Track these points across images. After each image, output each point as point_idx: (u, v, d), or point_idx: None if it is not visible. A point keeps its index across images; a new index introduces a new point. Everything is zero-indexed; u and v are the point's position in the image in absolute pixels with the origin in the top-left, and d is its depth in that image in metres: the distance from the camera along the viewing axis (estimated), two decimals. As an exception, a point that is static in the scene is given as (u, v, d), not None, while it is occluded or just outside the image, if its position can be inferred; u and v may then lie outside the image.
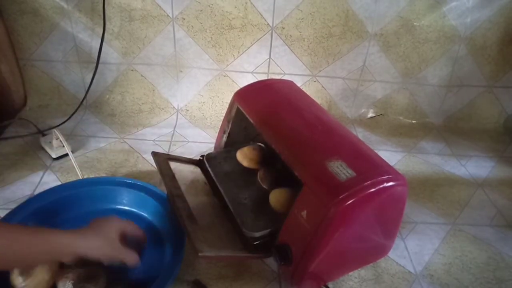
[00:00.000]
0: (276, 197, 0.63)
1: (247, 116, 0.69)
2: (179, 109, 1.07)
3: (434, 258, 0.69)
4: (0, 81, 0.93)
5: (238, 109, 0.73)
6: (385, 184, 0.51)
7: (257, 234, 0.58)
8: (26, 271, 0.52)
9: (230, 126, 0.77)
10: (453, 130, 1.11)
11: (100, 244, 0.50)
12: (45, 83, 1.02)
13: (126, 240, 0.54)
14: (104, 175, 0.82)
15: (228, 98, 0.78)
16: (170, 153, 0.91)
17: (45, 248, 0.45)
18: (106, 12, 0.93)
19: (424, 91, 1.10)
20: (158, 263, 0.61)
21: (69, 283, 0.52)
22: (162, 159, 0.71)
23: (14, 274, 0.52)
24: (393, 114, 1.13)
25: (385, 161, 0.57)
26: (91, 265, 0.56)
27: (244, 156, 0.72)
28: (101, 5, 0.92)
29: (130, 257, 0.53)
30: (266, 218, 0.61)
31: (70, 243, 0.47)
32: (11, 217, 0.62)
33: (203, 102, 1.07)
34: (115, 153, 0.89)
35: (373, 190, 0.50)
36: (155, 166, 0.70)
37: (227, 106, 0.76)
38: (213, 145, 0.84)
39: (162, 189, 0.70)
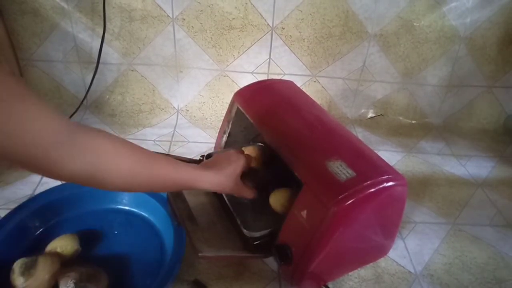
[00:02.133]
0: (276, 197, 0.63)
1: (247, 116, 0.69)
2: (179, 109, 1.07)
3: (434, 258, 0.69)
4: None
5: (238, 109, 0.73)
6: (385, 184, 0.51)
7: (257, 234, 0.58)
8: (27, 271, 0.52)
9: (230, 126, 0.77)
10: (453, 130, 1.11)
11: (223, 180, 0.53)
12: (45, 83, 1.02)
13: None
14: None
15: (228, 98, 0.78)
16: (170, 153, 0.91)
17: (174, 177, 0.47)
18: (106, 12, 0.93)
19: (424, 91, 1.10)
20: (158, 263, 0.61)
21: (71, 282, 0.52)
22: None
23: (15, 274, 0.52)
24: (393, 114, 1.13)
25: (385, 161, 0.57)
26: (92, 265, 0.56)
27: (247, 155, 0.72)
28: (101, 5, 0.92)
29: (248, 193, 0.59)
30: (266, 218, 0.61)
31: (196, 178, 0.50)
32: (11, 217, 0.63)
33: (203, 102, 1.07)
34: (115, 153, 0.89)
35: (373, 190, 0.50)
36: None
37: (227, 106, 0.76)
38: (213, 145, 0.85)
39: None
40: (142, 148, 0.45)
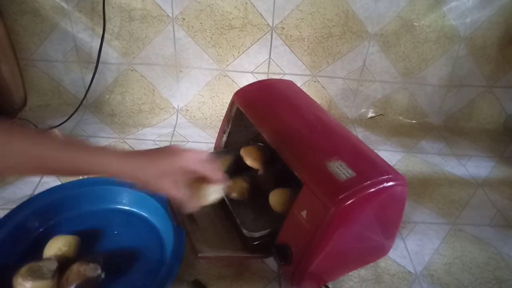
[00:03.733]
0: (276, 197, 0.63)
1: (247, 116, 0.69)
2: (179, 109, 1.07)
3: (434, 258, 0.69)
4: (0, 81, 0.93)
5: (238, 109, 0.73)
6: (385, 184, 0.51)
7: (257, 234, 0.58)
8: (30, 276, 0.52)
9: (230, 126, 0.77)
10: (453, 130, 1.11)
11: (138, 167, 0.45)
12: (45, 83, 1.02)
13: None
14: (104, 175, 0.82)
15: (228, 98, 0.78)
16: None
17: (95, 168, 0.43)
18: (106, 12, 0.93)
19: (424, 91, 1.10)
20: (158, 263, 0.61)
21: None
22: None
23: (18, 279, 0.52)
24: (393, 114, 1.13)
25: (385, 161, 0.57)
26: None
27: (248, 155, 0.72)
28: (101, 5, 0.92)
29: (184, 202, 0.47)
30: (266, 218, 0.61)
31: (120, 169, 0.44)
32: (11, 217, 0.62)
33: (203, 102, 1.07)
34: (115, 153, 0.89)
35: (373, 190, 0.50)
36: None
37: (227, 106, 0.76)
38: (213, 145, 0.84)
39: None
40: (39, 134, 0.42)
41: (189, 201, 0.48)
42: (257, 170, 0.71)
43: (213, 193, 0.52)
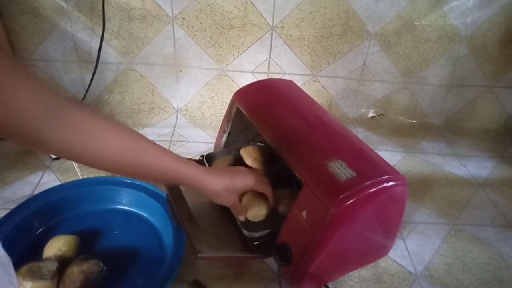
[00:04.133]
0: (277, 197, 0.63)
1: (247, 116, 0.69)
2: (179, 109, 1.07)
3: (434, 258, 0.69)
4: None
5: (238, 109, 0.72)
6: (385, 184, 0.51)
7: (257, 235, 0.58)
8: (30, 276, 0.52)
9: (230, 126, 0.76)
10: (454, 130, 1.11)
11: (221, 188, 0.53)
12: (45, 83, 1.02)
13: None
14: (103, 175, 0.82)
15: (228, 98, 0.78)
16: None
17: (171, 169, 0.48)
18: (106, 11, 0.93)
19: (424, 91, 1.09)
20: (158, 263, 0.61)
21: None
22: None
23: (18, 279, 0.52)
24: (393, 114, 1.13)
25: (385, 161, 0.57)
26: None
27: (248, 155, 0.72)
28: (101, 5, 0.92)
29: (240, 212, 0.58)
30: (265, 218, 0.61)
31: (197, 176, 0.50)
32: (10, 217, 0.62)
33: (203, 102, 1.07)
34: (115, 153, 0.89)
35: (373, 190, 0.50)
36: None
37: (227, 106, 0.76)
38: (212, 145, 0.84)
39: (162, 189, 0.69)
40: (136, 133, 0.44)
41: (243, 212, 0.59)
42: (257, 170, 0.71)
43: (264, 208, 0.60)
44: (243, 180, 0.55)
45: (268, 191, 0.60)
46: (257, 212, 0.60)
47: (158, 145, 0.47)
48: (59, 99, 0.35)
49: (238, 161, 0.73)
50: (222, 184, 0.52)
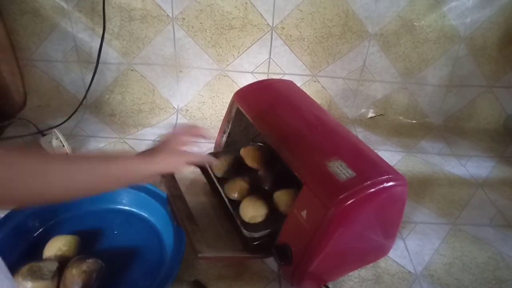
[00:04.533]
0: (280, 198, 0.63)
1: (247, 116, 0.69)
2: (179, 109, 1.07)
3: (434, 258, 0.69)
4: (0, 81, 0.93)
5: (238, 109, 0.73)
6: (385, 184, 0.51)
7: (257, 235, 0.58)
8: (30, 276, 0.52)
9: (230, 126, 0.77)
10: (453, 130, 1.11)
11: (168, 158, 0.50)
12: (45, 83, 1.02)
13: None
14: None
15: (228, 98, 0.78)
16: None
17: (118, 175, 0.46)
18: (106, 12, 0.93)
19: (424, 91, 1.10)
20: (158, 263, 0.61)
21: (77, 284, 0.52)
22: None
23: (18, 279, 0.52)
24: (393, 114, 1.13)
25: (385, 161, 0.57)
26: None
27: (248, 155, 0.72)
28: (101, 5, 0.92)
29: (201, 158, 0.55)
30: (265, 218, 0.61)
31: (141, 169, 0.48)
32: (10, 217, 0.62)
33: (203, 102, 1.07)
34: (115, 153, 0.89)
35: (373, 190, 0.50)
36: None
37: (227, 106, 0.76)
38: (213, 145, 0.84)
39: (162, 189, 0.70)
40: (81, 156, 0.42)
41: (205, 157, 0.56)
42: (257, 170, 0.71)
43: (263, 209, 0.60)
44: (173, 138, 0.53)
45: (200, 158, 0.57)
46: (255, 213, 0.60)
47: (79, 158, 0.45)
48: None
49: (238, 161, 0.73)
50: (165, 159, 0.50)
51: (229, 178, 0.69)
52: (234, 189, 0.66)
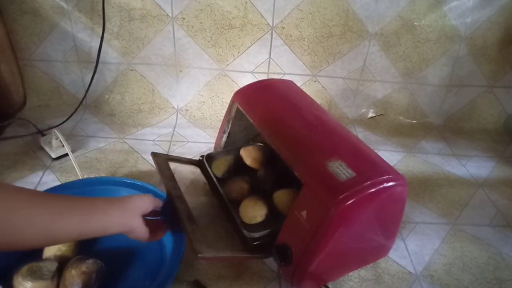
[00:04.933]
0: (280, 198, 0.63)
1: (247, 116, 0.69)
2: (179, 109, 1.07)
3: (434, 258, 0.69)
4: (0, 81, 0.93)
5: (238, 109, 0.73)
6: (385, 184, 0.51)
7: (257, 235, 0.58)
8: (30, 276, 0.52)
9: (230, 126, 0.77)
10: (453, 130, 1.11)
11: (126, 216, 0.51)
12: (45, 83, 1.02)
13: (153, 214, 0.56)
14: (103, 175, 0.82)
15: (228, 98, 0.78)
16: (169, 153, 0.91)
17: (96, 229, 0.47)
18: (106, 11, 0.93)
19: (424, 91, 1.10)
20: (158, 263, 0.61)
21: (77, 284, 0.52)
22: (162, 160, 0.71)
23: (18, 279, 0.52)
24: (393, 114, 1.13)
25: (385, 161, 0.57)
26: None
27: (248, 155, 0.72)
28: (101, 5, 0.92)
29: (142, 232, 0.53)
30: (265, 218, 0.61)
31: (107, 223, 0.49)
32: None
33: (203, 102, 1.07)
34: (114, 153, 0.89)
35: (373, 190, 0.50)
36: (155, 166, 0.69)
37: (227, 106, 0.76)
38: (213, 145, 0.84)
39: (162, 189, 0.70)
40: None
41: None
42: (257, 170, 0.71)
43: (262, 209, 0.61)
44: (140, 199, 0.54)
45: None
46: (255, 213, 0.60)
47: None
48: None
49: (238, 161, 0.73)
50: (126, 214, 0.50)
51: (229, 178, 0.69)
52: (234, 189, 0.66)
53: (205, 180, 0.73)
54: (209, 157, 0.74)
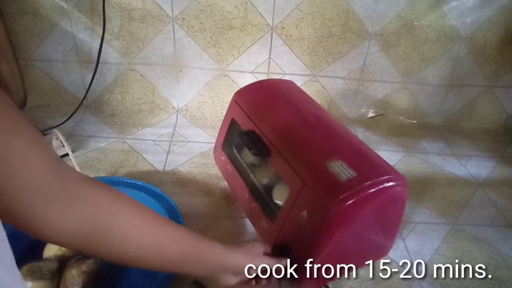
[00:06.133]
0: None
1: (247, 116, 0.69)
2: (179, 109, 1.07)
3: (434, 258, 0.69)
4: (0, 81, 0.93)
5: (238, 109, 0.72)
6: (386, 184, 0.51)
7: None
8: (30, 276, 0.52)
9: (230, 126, 0.76)
10: (453, 130, 1.11)
11: (245, 263, 0.47)
12: (45, 83, 1.02)
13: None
14: (104, 175, 0.82)
15: (228, 98, 0.78)
16: (169, 153, 0.91)
17: (203, 258, 0.43)
18: (106, 12, 0.93)
19: (424, 91, 1.10)
20: (158, 263, 0.61)
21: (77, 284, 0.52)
22: None
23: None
24: (393, 114, 1.13)
25: (385, 161, 0.57)
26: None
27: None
28: (101, 5, 0.92)
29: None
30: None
31: (224, 258, 0.45)
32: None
33: (203, 102, 1.07)
34: (115, 153, 0.89)
35: (373, 190, 0.50)
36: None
37: (227, 106, 0.76)
38: (213, 145, 0.84)
39: (162, 189, 0.70)
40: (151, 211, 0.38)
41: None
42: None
43: None
44: (259, 244, 0.52)
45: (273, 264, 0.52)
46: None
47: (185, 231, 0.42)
48: (68, 172, 0.29)
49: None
50: (243, 262, 0.47)
51: (260, 165, 0.70)
52: (265, 175, 0.67)
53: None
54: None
